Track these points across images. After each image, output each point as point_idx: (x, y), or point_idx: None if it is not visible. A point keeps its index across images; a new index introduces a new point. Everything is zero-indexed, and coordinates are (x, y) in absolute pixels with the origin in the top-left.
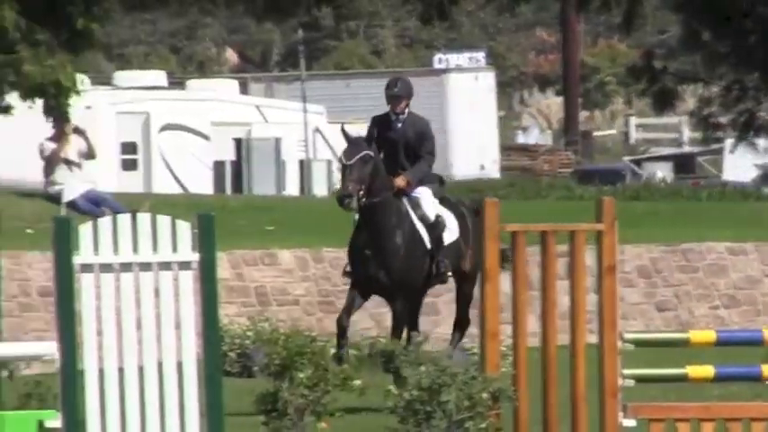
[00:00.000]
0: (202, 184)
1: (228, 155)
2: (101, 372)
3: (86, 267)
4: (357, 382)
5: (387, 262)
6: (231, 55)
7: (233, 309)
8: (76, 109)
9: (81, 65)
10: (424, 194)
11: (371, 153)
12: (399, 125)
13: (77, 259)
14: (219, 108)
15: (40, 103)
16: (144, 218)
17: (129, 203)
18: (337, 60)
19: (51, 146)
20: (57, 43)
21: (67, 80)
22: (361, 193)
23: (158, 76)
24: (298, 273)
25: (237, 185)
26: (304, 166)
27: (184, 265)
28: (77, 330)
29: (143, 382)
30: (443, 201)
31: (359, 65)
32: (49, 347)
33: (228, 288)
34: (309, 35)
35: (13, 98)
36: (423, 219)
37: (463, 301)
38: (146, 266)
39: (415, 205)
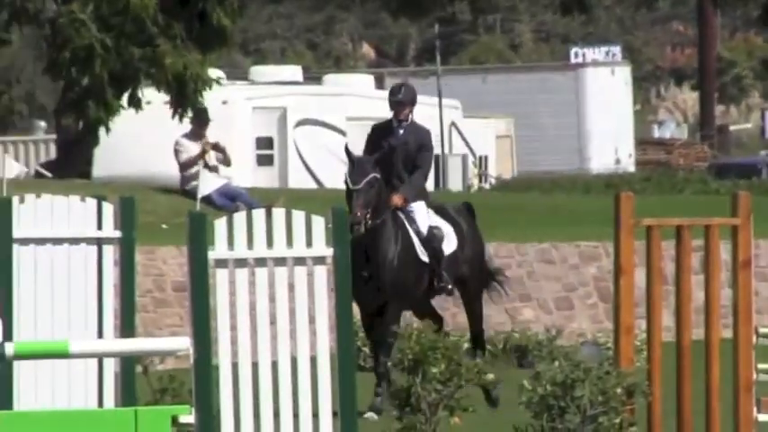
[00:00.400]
0: (338, 179)
1: None
2: (234, 367)
3: (221, 262)
4: (490, 377)
5: (384, 276)
6: (367, 50)
7: None
8: (212, 103)
9: (213, 60)
10: (417, 208)
11: (377, 175)
12: (401, 131)
13: (212, 254)
14: (355, 103)
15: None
16: (279, 213)
17: (263, 198)
18: (474, 55)
19: (187, 143)
20: (190, 40)
21: (204, 74)
22: (368, 216)
23: (294, 72)
24: None
25: None
26: (439, 161)
27: (319, 260)
28: (211, 325)
29: (277, 376)
30: (438, 210)
31: (495, 59)
32: (184, 343)
33: None
34: (446, 30)
35: (148, 94)
36: (417, 233)
37: (472, 317)
38: (280, 261)
39: (411, 220)
